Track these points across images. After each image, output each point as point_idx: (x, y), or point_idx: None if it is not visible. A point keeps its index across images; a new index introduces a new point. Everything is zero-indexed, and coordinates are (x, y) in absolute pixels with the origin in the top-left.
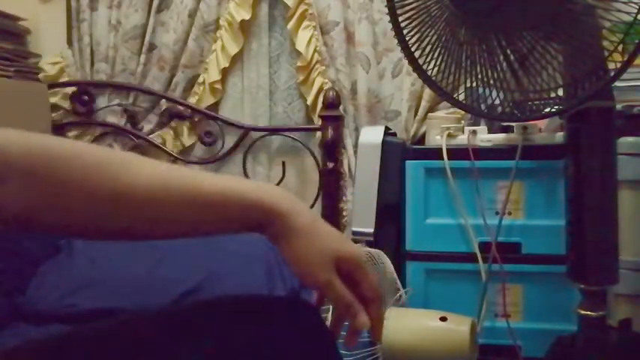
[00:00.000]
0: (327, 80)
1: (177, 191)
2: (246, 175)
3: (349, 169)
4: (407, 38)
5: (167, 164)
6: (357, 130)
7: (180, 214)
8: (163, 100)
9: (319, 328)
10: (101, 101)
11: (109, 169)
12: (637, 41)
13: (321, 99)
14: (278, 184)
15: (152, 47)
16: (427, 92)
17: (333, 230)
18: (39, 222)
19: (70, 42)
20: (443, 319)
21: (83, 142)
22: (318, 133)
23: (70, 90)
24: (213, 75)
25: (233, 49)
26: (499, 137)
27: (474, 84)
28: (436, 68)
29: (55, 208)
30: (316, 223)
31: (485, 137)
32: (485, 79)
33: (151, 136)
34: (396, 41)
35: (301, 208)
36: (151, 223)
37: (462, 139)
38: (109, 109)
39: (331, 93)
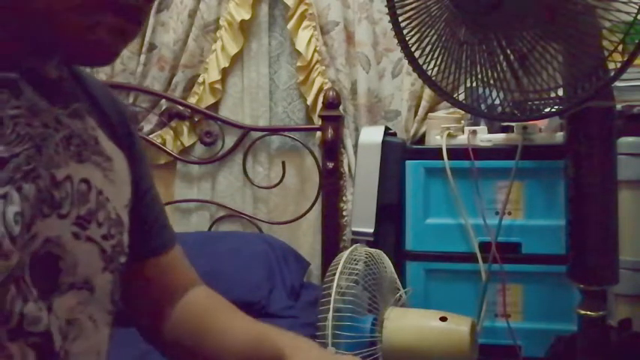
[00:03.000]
0: (327, 80)
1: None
2: (246, 174)
3: (349, 169)
4: (407, 38)
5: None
6: (357, 130)
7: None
8: (163, 100)
9: None
10: None
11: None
12: (637, 41)
13: (321, 99)
14: (278, 184)
15: (152, 47)
16: (427, 92)
17: None
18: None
19: None
20: (443, 319)
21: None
22: (318, 133)
23: None
24: (213, 75)
25: (233, 49)
26: (499, 137)
27: (474, 84)
28: (436, 68)
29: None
30: None
31: (485, 137)
32: (485, 79)
33: (150, 136)
34: (396, 41)
35: None
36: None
37: (462, 139)
38: None
39: (331, 93)
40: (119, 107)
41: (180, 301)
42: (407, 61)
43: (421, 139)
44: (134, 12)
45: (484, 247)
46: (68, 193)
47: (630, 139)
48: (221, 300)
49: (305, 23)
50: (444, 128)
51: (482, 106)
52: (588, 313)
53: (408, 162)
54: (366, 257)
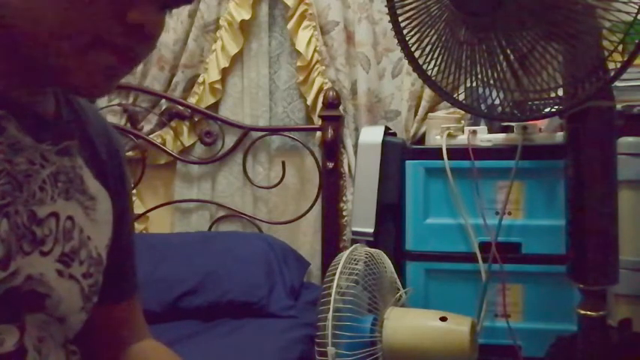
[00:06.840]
0: (327, 80)
1: None
2: (246, 174)
3: (349, 169)
4: (407, 38)
5: None
6: (357, 130)
7: None
8: (163, 100)
9: None
10: (101, 101)
11: None
12: (637, 41)
13: (321, 99)
14: (278, 184)
15: None
16: (427, 92)
17: None
18: None
19: None
20: (443, 319)
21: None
22: (318, 133)
23: None
24: (213, 75)
25: (233, 49)
26: (499, 137)
27: (474, 84)
28: (436, 68)
29: None
30: None
31: (485, 137)
32: (485, 79)
33: (150, 136)
34: (396, 41)
35: None
36: None
37: (462, 139)
38: (109, 109)
39: (331, 93)
40: (115, 147)
41: (131, 348)
42: (407, 61)
43: (421, 139)
44: (128, 53)
45: (484, 247)
46: (52, 230)
47: (630, 139)
48: (167, 352)
49: (305, 23)
50: (444, 128)
51: (483, 106)
52: (588, 313)
53: (408, 162)
54: (366, 257)
